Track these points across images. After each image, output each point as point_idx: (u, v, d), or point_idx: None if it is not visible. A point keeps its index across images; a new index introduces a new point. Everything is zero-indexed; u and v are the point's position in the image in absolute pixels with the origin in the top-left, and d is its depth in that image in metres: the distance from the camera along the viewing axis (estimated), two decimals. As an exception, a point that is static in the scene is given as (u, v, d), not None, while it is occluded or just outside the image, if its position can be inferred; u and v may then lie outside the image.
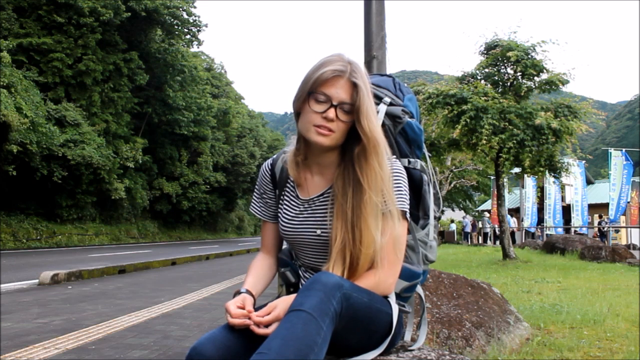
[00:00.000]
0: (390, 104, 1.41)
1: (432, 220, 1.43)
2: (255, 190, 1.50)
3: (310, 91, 1.24)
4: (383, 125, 1.36)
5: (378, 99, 1.40)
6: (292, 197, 1.40)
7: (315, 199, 1.34)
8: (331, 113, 1.22)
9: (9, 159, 17.23)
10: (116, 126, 26.17)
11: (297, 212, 1.37)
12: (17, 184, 19.60)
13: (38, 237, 20.17)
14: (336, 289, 1.10)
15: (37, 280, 6.68)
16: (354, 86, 1.23)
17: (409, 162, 1.39)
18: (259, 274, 1.43)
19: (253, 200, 1.51)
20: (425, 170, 1.43)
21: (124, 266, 8.67)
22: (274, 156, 1.48)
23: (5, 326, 3.72)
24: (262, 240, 1.50)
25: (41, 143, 18.27)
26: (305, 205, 1.36)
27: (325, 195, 1.33)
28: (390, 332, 1.28)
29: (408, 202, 1.30)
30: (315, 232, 1.32)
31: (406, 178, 1.32)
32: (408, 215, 1.30)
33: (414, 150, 1.43)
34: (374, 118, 1.24)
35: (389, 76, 1.53)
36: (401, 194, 1.28)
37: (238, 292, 1.31)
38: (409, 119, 1.41)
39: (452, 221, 33.22)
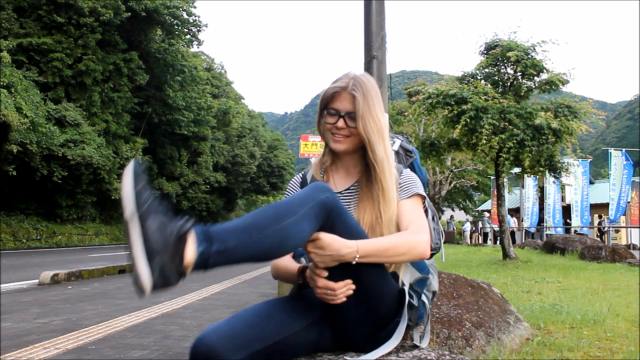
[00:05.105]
0: (403, 142, 1.71)
1: (442, 249, 1.62)
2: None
3: (322, 108, 1.50)
4: (398, 154, 1.67)
5: (392, 139, 1.68)
6: None
7: (343, 191, 1.53)
8: (340, 123, 1.46)
9: (9, 159, 17.23)
10: (116, 126, 26.16)
11: None
12: (17, 184, 19.60)
13: (38, 237, 20.17)
14: (327, 191, 1.26)
15: (37, 280, 6.68)
16: (354, 97, 1.44)
17: None
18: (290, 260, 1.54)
19: None
20: (430, 207, 1.61)
21: (124, 266, 8.66)
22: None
23: (5, 326, 3.72)
24: None
25: (41, 143, 18.26)
26: None
27: (351, 189, 1.52)
28: (394, 317, 1.37)
29: (423, 189, 1.53)
30: None
31: (419, 179, 1.55)
32: (426, 201, 1.52)
33: None
34: (372, 120, 1.44)
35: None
36: (416, 183, 1.51)
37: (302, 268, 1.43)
38: (417, 160, 1.71)
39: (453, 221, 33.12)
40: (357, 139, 1.47)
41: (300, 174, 1.68)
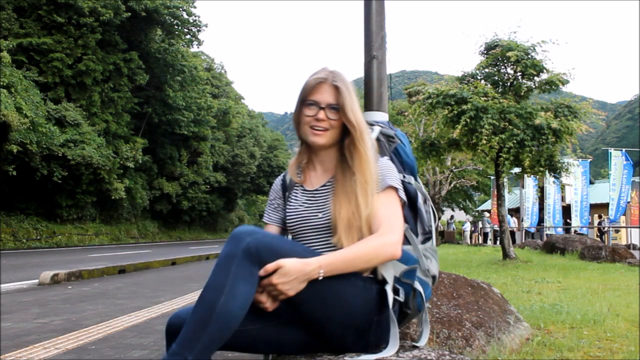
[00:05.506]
0: (383, 129, 1.65)
1: (434, 234, 1.59)
2: (268, 201, 1.66)
3: (302, 100, 1.47)
4: (379, 141, 1.60)
5: (370, 126, 1.63)
6: (299, 192, 1.56)
7: (319, 188, 1.52)
8: (321, 114, 1.44)
9: (9, 159, 17.23)
10: (116, 126, 26.16)
11: (302, 201, 1.52)
12: (17, 184, 19.60)
13: (38, 237, 20.18)
14: (246, 235, 1.24)
15: (37, 280, 6.67)
16: (336, 89, 1.44)
17: (404, 177, 1.56)
18: None
19: (265, 210, 1.66)
20: (422, 191, 1.58)
21: (124, 266, 8.66)
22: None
23: (5, 326, 3.72)
24: None
25: (41, 143, 18.26)
26: (310, 195, 1.52)
27: (327, 185, 1.51)
28: (373, 318, 1.34)
29: (399, 182, 1.48)
30: (317, 215, 1.46)
31: (395, 168, 1.51)
32: (401, 192, 1.46)
33: (407, 175, 1.59)
34: (357, 111, 1.44)
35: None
36: (389, 174, 1.46)
37: None
38: (401, 144, 1.63)
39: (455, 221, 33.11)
40: (336, 132, 1.46)
41: (281, 177, 1.66)
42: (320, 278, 1.26)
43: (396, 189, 1.44)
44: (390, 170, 1.47)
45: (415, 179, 1.60)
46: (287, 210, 1.54)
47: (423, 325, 1.51)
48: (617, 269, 8.02)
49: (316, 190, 1.51)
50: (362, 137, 1.43)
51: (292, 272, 1.22)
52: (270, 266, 1.23)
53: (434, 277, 1.53)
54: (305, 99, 1.47)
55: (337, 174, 1.47)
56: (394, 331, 1.34)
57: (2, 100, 15.33)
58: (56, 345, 3.11)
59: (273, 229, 1.60)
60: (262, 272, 1.23)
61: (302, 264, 1.24)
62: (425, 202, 1.58)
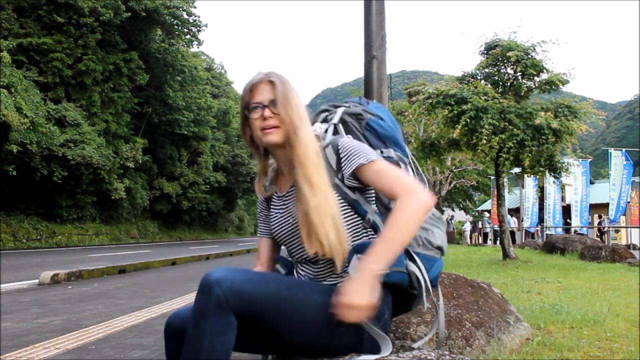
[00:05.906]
0: (348, 109, 1.60)
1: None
2: (257, 215, 1.68)
3: (245, 108, 1.44)
4: (345, 122, 1.55)
5: (335, 108, 1.62)
6: (275, 200, 1.55)
7: (288, 191, 1.49)
8: (266, 112, 1.39)
9: (9, 159, 17.24)
10: (116, 126, 26.18)
11: (278, 208, 1.52)
12: (17, 184, 19.61)
13: (38, 237, 20.18)
14: (214, 284, 1.20)
15: (37, 280, 6.67)
16: (272, 83, 1.41)
17: (382, 152, 1.51)
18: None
19: (257, 224, 1.68)
20: (404, 160, 1.55)
21: (124, 266, 8.66)
22: None
23: (5, 326, 3.72)
24: (258, 255, 1.63)
25: (41, 143, 18.28)
26: (282, 201, 1.51)
27: (292, 187, 1.47)
28: (362, 337, 1.32)
29: (372, 155, 1.38)
30: (289, 220, 1.46)
31: (360, 144, 1.42)
32: (392, 157, 1.48)
33: (390, 146, 1.55)
34: (292, 102, 1.39)
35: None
36: (359, 151, 1.38)
37: None
38: (374, 117, 1.57)
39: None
40: (286, 127, 1.40)
41: None
42: (381, 272, 1.26)
43: (372, 162, 1.37)
44: (355, 149, 1.39)
45: (400, 148, 1.57)
46: (270, 220, 1.55)
47: (436, 319, 1.50)
48: (617, 269, 8.02)
49: (285, 194, 1.50)
50: (296, 131, 1.37)
51: (353, 292, 1.24)
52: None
53: (439, 248, 1.47)
54: (248, 106, 1.43)
55: (295, 177, 1.43)
56: (375, 333, 1.33)
57: (2, 100, 15.34)
58: (56, 345, 3.11)
59: (266, 242, 1.61)
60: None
61: (354, 279, 1.25)
62: (415, 171, 1.55)
